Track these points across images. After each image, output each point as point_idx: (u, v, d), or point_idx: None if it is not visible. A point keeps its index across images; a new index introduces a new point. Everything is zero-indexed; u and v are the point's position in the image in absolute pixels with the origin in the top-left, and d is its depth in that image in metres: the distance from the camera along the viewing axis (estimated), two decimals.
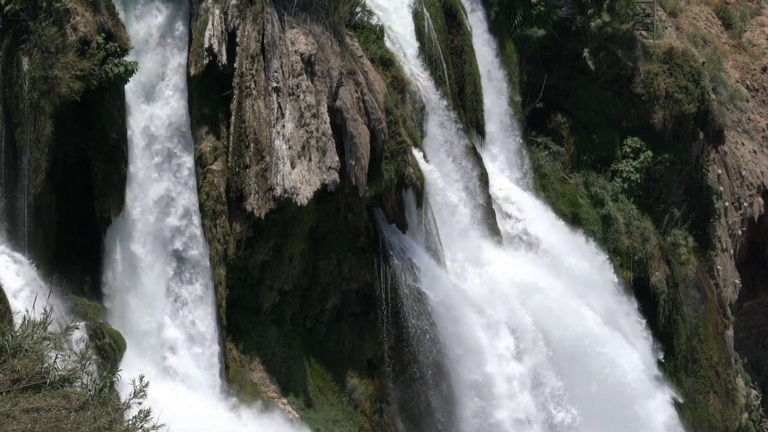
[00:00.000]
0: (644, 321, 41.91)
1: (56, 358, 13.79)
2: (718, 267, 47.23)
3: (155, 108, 28.90)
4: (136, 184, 28.11)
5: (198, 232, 29.27)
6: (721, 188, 47.68)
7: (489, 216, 37.59)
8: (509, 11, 41.16)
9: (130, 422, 12.97)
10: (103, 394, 13.20)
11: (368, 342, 33.27)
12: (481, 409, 34.19)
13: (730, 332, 47.78)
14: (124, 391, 14.05)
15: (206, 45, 29.20)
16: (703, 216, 45.85)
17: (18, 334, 13.63)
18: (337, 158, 30.60)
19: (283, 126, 30.01)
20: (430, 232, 34.25)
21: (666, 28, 48.69)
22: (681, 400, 41.85)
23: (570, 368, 36.89)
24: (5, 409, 12.53)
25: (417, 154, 33.85)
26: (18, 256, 25.51)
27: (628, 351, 39.20)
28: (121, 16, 27.96)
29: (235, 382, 29.62)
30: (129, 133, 27.76)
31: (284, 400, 30.72)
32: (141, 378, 13.22)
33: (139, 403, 13.07)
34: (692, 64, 44.80)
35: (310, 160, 30.20)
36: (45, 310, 14.07)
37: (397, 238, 33.37)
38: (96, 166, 27.27)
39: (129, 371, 16.49)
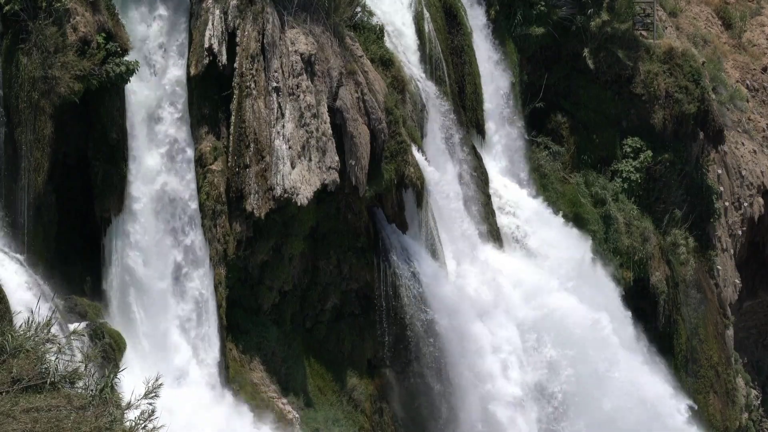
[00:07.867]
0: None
1: (56, 358, 13.76)
2: (718, 267, 47.21)
3: None
4: None
5: None
6: (721, 188, 47.67)
7: (489, 215, 37.57)
8: (509, 11, 41.14)
9: (131, 422, 12.93)
10: (104, 394, 13.16)
11: (368, 342, 33.25)
12: (481, 407, 34.22)
13: (730, 332, 47.76)
14: (124, 391, 14.00)
15: (206, 45, 29.15)
16: (703, 216, 45.83)
17: (19, 334, 13.60)
18: (337, 158, 30.56)
19: (283, 126, 29.98)
20: (430, 232, 34.23)
21: (666, 28, 48.66)
22: None
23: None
24: (5, 409, 12.50)
25: (417, 154, 33.82)
26: (18, 256, 25.47)
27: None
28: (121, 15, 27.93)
29: (235, 382, 29.59)
30: None
31: (284, 400, 30.70)
32: (156, 378, 13.14)
33: (150, 404, 13.00)
34: (692, 64, 44.78)
35: (310, 160, 30.17)
36: (46, 315, 14.01)
37: (397, 238, 33.34)
38: (96, 166, 27.23)
39: (129, 371, 16.46)
